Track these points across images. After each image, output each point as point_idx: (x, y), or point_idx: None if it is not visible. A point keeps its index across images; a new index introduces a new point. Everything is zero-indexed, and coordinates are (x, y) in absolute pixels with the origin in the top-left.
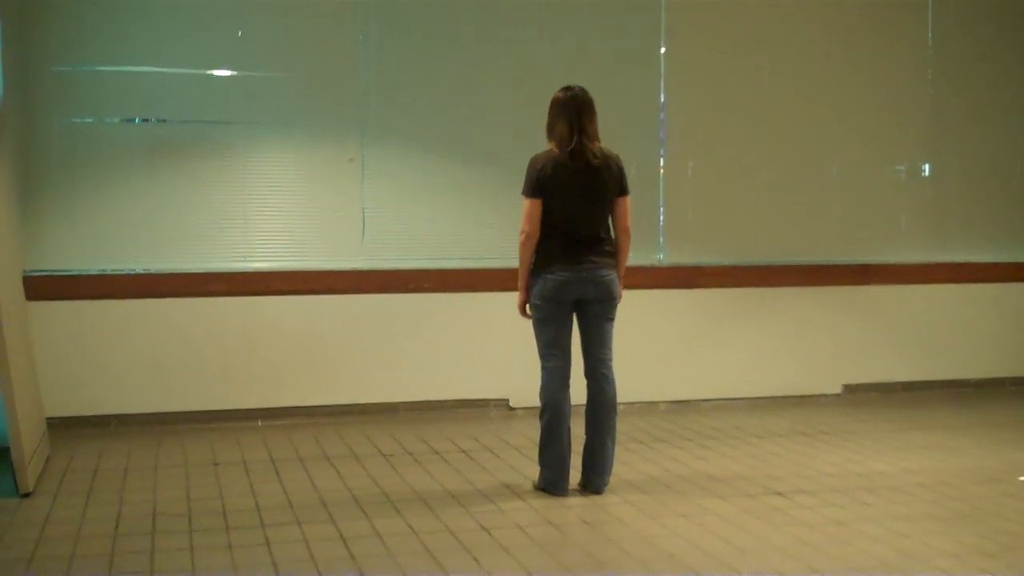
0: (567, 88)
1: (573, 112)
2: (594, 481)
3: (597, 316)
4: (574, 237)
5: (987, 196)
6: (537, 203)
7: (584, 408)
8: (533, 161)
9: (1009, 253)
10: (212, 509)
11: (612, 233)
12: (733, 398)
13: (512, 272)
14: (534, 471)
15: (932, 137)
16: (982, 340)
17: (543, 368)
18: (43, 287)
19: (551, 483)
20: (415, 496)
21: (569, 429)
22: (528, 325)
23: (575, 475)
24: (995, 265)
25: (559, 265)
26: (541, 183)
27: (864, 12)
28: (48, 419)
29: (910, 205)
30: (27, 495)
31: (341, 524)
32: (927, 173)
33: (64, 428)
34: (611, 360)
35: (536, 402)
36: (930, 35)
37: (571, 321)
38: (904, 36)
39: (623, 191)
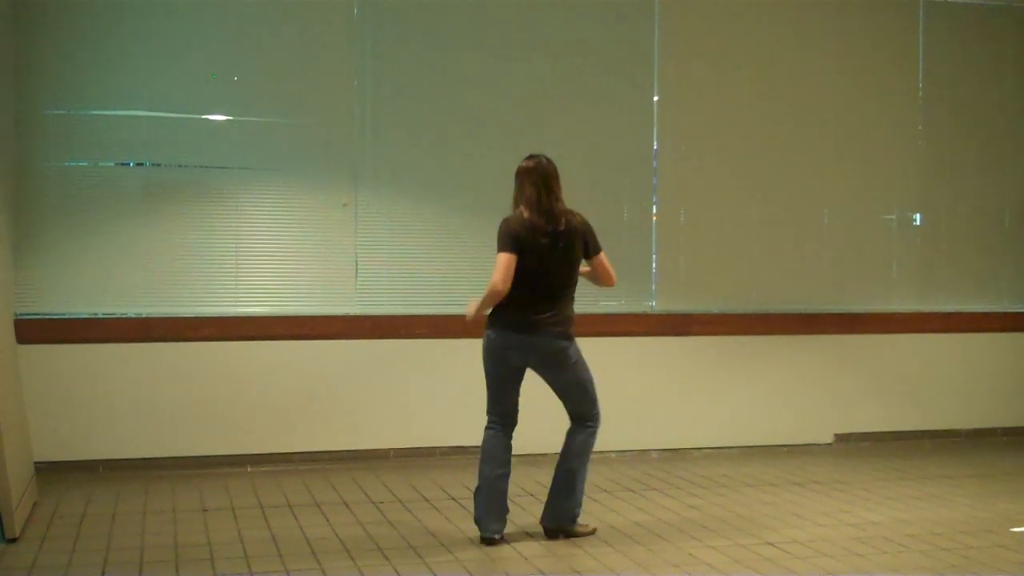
0: (531, 156)
1: (539, 178)
2: (545, 512)
3: (554, 377)
4: (534, 299)
5: (978, 246)
6: (513, 258)
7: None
8: (506, 221)
9: (1000, 303)
10: (200, 556)
11: (572, 300)
12: (724, 447)
13: None
14: (524, 520)
15: (923, 187)
16: (973, 390)
17: (488, 418)
18: (34, 331)
19: (480, 523)
20: (404, 544)
21: (501, 477)
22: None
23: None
24: (986, 315)
25: (508, 327)
26: (518, 241)
27: (855, 62)
28: (36, 463)
29: (901, 254)
30: (13, 540)
31: (329, 572)
32: (918, 222)
33: (52, 473)
34: (591, 409)
35: (527, 450)
36: (920, 85)
37: (516, 385)
38: (894, 86)
39: (596, 249)
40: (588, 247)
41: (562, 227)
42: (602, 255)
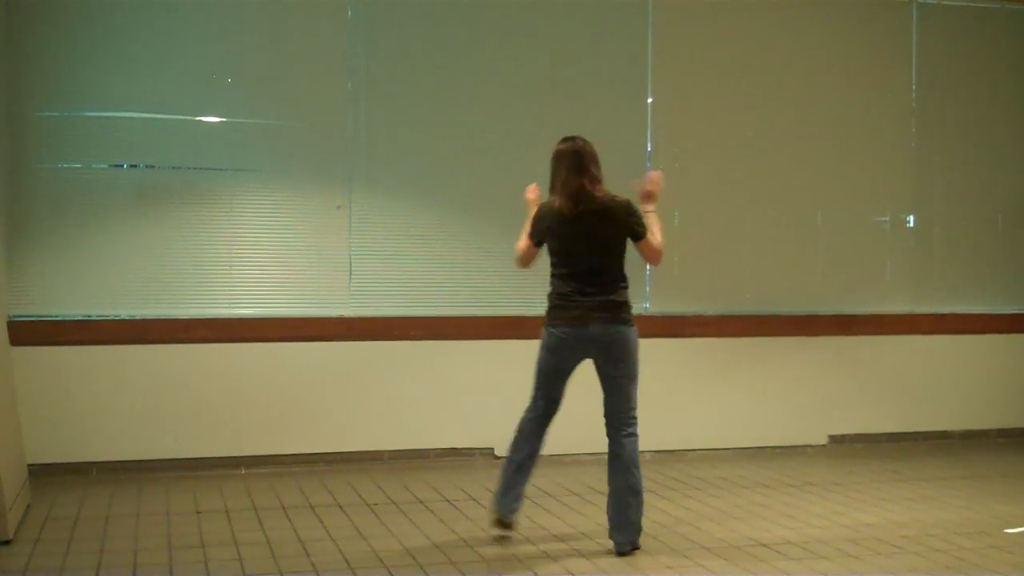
0: (567, 139)
1: (567, 158)
2: (615, 538)
3: (609, 376)
4: (576, 287)
5: (971, 247)
6: (529, 246)
7: (606, 461)
8: (538, 207)
9: (994, 304)
10: (194, 559)
11: (624, 280)
12: (719, 448)
13: (501, 319)
14: (519, 521)
15: (916, 189)
16: (967, 391)
17: (529, 406)
18: (27, 332)
19: (493, 505)
20: (399, 547)
21: (530, 456)
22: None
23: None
24: (980, 316)
25: (561, 321)
26: (538, 228)
27: (848, 64)
28: (29, 465)
29: (895, 256)
30: (7, 543)
31: (324, 575)
32: (911, 224)
33: (45, 475)
34: (633, 416)
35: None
36: (914, 88)
37: (567, 378)
38: (888, 88)
39: (636, 236)
40: (630, 232)
41: (582, 208)
42: (645, 241)
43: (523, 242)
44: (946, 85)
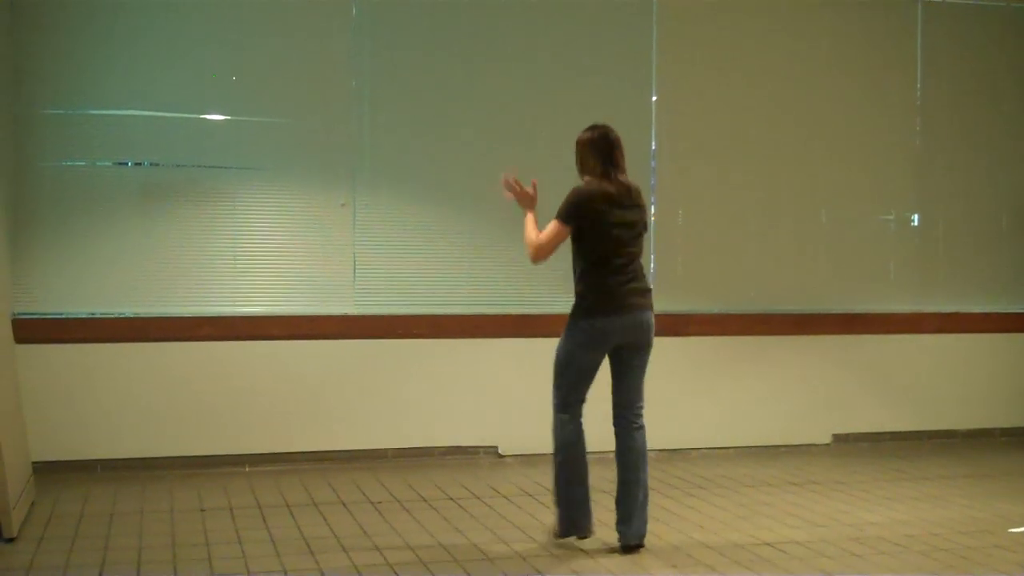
0: (593, 127)
1: (605, 148)
2: (622, 531)
3: (634, 364)
4: (621, 276)
5: (975, 246)
6: (565, 231)
7: (614, 456)
8: (576, 191)
9: (998, 304)
10: (198, 556)
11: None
12: (722, 447)
13: (505, 318)
14: (523, 520)
15: (920, 187)
16: (971, 390)
17: (562, 410)
18: (31, 330)
19: (573, 523)
20: (403, 545)
21: (587, 465)
22: (514, 366)
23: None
24: (984, 315)
25: (609, 309)
26: (583, 214)
27: (853, 63)
28: (33, 463)
29: (898, 254)
30: (11, 540)
31: (328, 573)
32: (916, 223)
33: (49, 472)
34: (642, 407)
35: (526, 450)
36: (918, 86)
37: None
38: (892, 86)
39: (645, 227)
40: (645, 223)
41: (632, 198)
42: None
43: (546, 232)
44: (950, 84)
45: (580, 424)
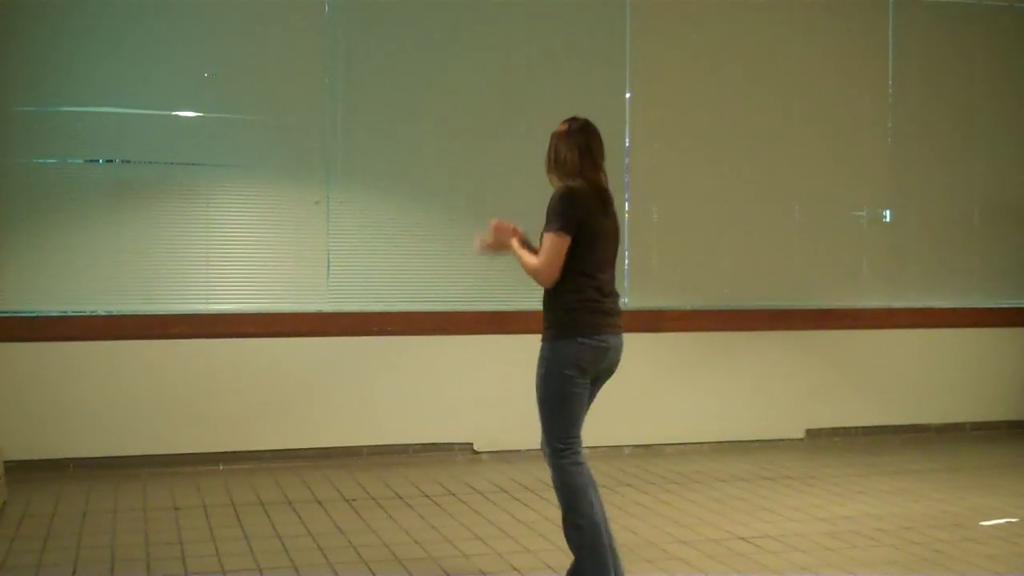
0: (573, 119)
1: (583, 142)
2: None
3: (594, 394)
4: (607, 291)
5: (947, 242)
6: (566, 241)
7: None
8: (570, 194)
9: (969, 299)
10: (172, 555)
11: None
12: (697, 442)
13: (480, 314)
14: (499, 516)
15: (892, 184)
16: (943, 385)
17: (564, 458)
18: (3, 328)
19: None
20: (379, 543)
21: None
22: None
23: None
24: (955, 311)
25: (601, 327)
26: (579, 216)
27: (826, 61)
28: (5, 462)
29: (871, 251)
30: None
31: (303, 571)
32: (888, 219)
33: (21, 472)
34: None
35: (501, 446)
36: (890, 84)
37: None
38: (865, 83)
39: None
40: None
41: (611, 204)
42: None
43: (546, 250)
44: (923, 80)
45: (591, 480)
